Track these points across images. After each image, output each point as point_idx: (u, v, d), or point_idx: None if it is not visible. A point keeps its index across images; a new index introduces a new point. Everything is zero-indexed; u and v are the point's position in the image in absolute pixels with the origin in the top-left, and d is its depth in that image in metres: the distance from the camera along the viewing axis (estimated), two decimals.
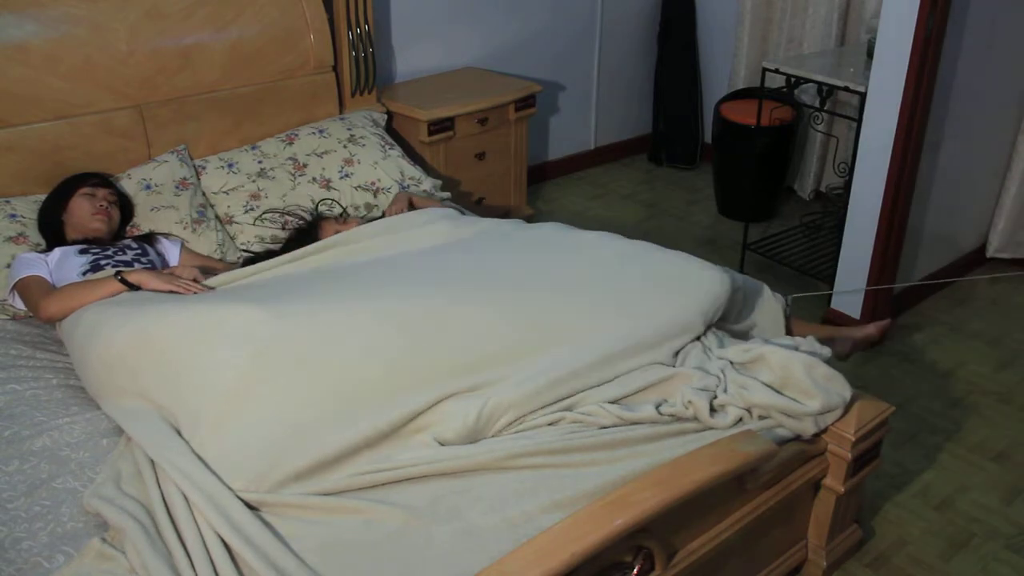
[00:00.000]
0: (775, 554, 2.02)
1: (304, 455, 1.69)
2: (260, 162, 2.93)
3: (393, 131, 3.41)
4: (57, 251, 2.33)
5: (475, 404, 1.78)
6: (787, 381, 1.87)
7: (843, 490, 1.97)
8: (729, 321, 2.19)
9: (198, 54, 2.86)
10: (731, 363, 1.95)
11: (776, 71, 3.25)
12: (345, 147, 3.03)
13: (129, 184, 2.69)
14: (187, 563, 1.52)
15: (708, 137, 4.53)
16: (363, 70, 3.30)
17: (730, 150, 3.99)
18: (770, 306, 2.33)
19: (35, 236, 2.45)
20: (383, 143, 3.11)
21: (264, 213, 2.79)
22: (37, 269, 2.26)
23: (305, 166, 2.95)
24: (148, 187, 2.70)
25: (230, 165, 2.89)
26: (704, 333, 2.06)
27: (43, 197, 2.51)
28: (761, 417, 1.87)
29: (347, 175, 2.96)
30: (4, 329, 2.28)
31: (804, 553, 2.09)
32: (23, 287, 2.22)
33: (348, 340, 1.88)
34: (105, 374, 1.95)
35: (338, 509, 1.63)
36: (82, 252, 2.31)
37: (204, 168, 2.87)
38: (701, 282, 2.11)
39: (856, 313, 3.06)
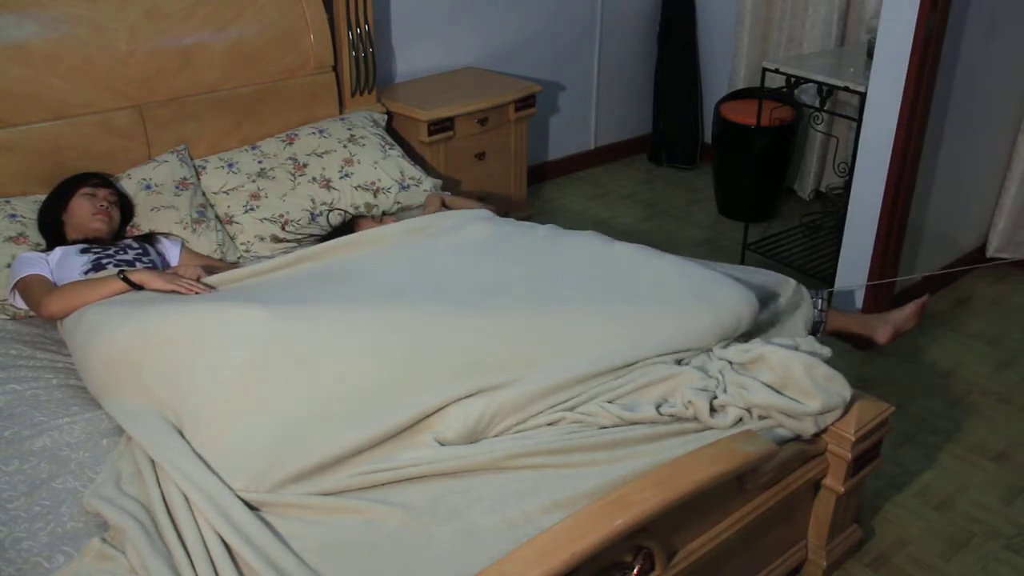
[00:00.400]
0: (775, 554, 2.02)
1: (304, 456, 1.69)
2: (260, 162, 2.93)
3: (393, 131, 3.41)
4: (58, 250, 2.33)
5: (477, 406, 1.78)
6: (787, 381, 1.86)
7: (843, 490, 1.97)
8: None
9: (198, 54, 2.85)
10: (731, 363, 1.95)
11: (776, 71, 3.25)
12: (345, 147, 3.03)
13: (129, 184, 2.69)
14: (187, 563, 1.52)
15: (708, 137, 4.53)
16: (363, 70, 3.30)
17: (730, 150, 3.99)
18: (795, 302, 2.32)
19: (35, 236, 2.45)
20: (383, 143, 3.11)
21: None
22: (38, 268, 2.26)
23: (305, 166, 2.95)
24: (148, 187, 2.70)
25: (230, 165, 2.89)
26: None
27: (43, 197, 2.51)
28: (761, 417, 1.87)
29: (347, 175, 2.96)
30: (4, 329, 2.28)
31: (804, 553, 2.09)
32: (24, 286, 2.22)
33: (349, 341, 1.88)
34: (106, 373, 1.95)
35: (338, 509, 1.63)
36: (83, 251, 2.31)
37: (204, 168, 2.87)
38: (727, 306, 2.06)
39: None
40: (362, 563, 1.53)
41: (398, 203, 2.99)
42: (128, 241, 2.45)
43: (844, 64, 3.29)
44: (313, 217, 2.84)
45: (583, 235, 2.44)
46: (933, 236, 3.23)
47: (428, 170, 3.29)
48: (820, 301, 2.40)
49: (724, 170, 4.09)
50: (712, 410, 1.83)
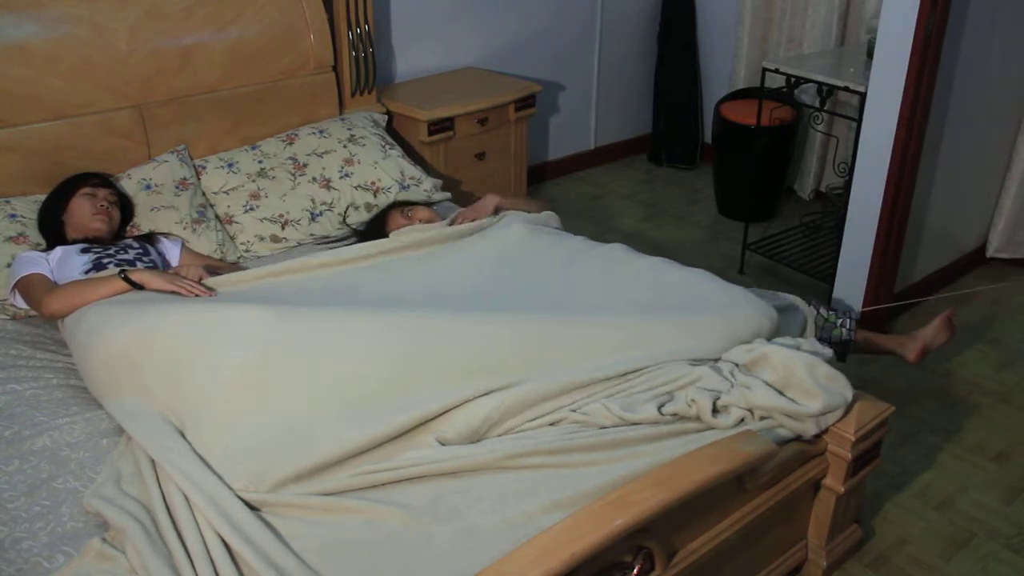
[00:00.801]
0: (775, 554, 2.02)
1: (305, 456, 1.69)
2: (260, 162, 2.93)
3: (393, 131, 3.41)
4: (59, 250, 2.33)
5: (483, 407, 1.78)
6: (789, 381, 1.86)
7: (843, 490, 1.97)
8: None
9: (198, 54, 2.85)
10: (735, 364, 1.95)
11: (776, 71, 3.25)
12: (345, 147, 3.03)
13: (129, 184, 2.69)
14: (187, 563, 1.52)
15: (708, 137, 4.53)
16: (363, 70, 3.30)
17: (730, 150, 3.99)
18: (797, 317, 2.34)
19: (35, 236, 2.45)
20: (383, 143, 3.11)
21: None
22: (38, 267, 2.26)
23: (305, 166, 2.95)
24: (148, 187, 2.70)
25: (230, 165, 2.89)
26: None
27: (43, 197, 2.51)
28: (762, 417, 1.87)
29: (347, 175, 2.96)
30: (4, 329, 2.27)
31: (804, 553, 2.09)
32: (25, 285, 2.22)
33: (351, 342, 1.88)
34: (106, 373, 1.95)
35: (338, 509, 1.63)
36: (84, 251, 2.31)
37: (204, 168, 2.87)
38: (746, 319, 2.06)
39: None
40: (362, 563, 1.53)
41: None
42: (129, 241, 2.45)
43: (844, 64, 3.29)
44: (313, 217, 2.84)
45: (609, 247, 2.45)
46: (933, 236, 3.23)
47: (428, 170, 3.29)
48: (849, 321, 2.40)
49: (724, 170, 4.08)
50: (715, 410, 1.83)
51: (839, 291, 3.12)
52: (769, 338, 2.04)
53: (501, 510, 1.60)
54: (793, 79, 3.21)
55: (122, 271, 2.14)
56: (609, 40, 4.45)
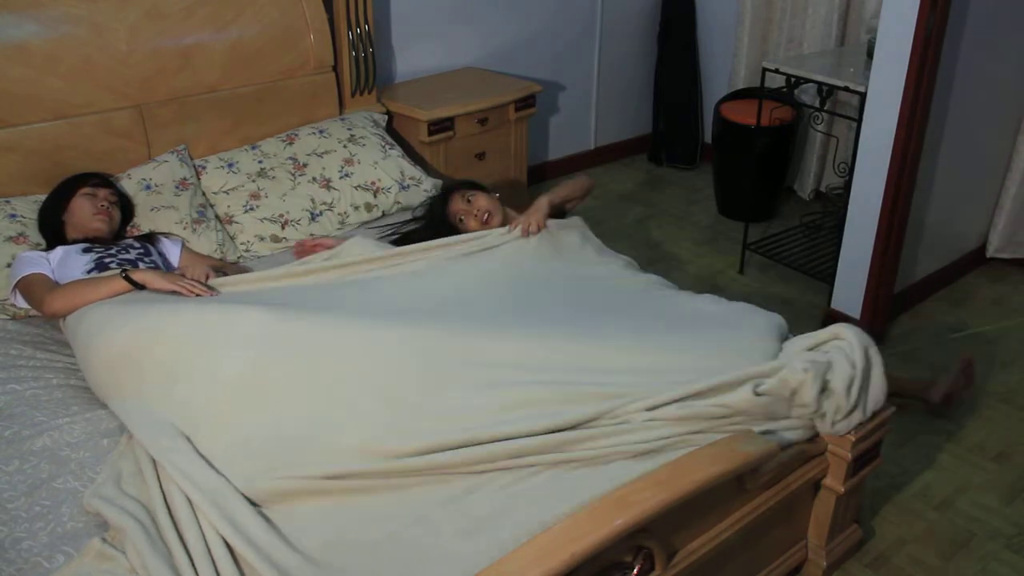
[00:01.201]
0: (775, 554, 2.02)
1: (303, 458, 1.69)
2: (260, 162, 2.93)
3: (393, 131, 3.41)
4: (60, 250, 2.33)
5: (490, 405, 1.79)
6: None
7: (843, 490, 1.97)
8: None
9: (198, 54, 2.85)
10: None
11: (776, 71, 3.25)
12: (345, 147, 3.03)
13: (129, 184, 2.69)
14: (187, 563, 1.52)
15: (708, 137, 4.53)
16: (363, 70, 3.30)
17: (730, 150, 3.99)
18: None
19: (35, 236, 2.45)
20: (383, 143, 3.11)
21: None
22: (39, 267, 2.26)
23: (305, 166, 2.95)
24: (148, 187, 2.70)
25: (230, 165, 2.89)
26: None
27: (43, 197, 2.51)
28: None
29: (347, 175, 2.96)
30: (4, 329, 2.27)
31: (804, 553, 2.09)
32: (26, 285, 2.23)
33: (350, 343, 1.88)
34: (107, 373, 1.95)
35: (339, 491, 1.64)
36: (86, 251, 2.32)
37: (204, 168, 2.87)
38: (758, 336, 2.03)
39: (856, 312, 3.06)
40: (364, 563, 1.53)
41: (398, 203, 2.99)
42: (130, 241, 2.45)
43: (844, 64, 3.29)
44: (314, 217, 2.84)
45: (651, 279, 2.41)
46: (933, 236, 3.23)
47: (428, 170, 3.29)
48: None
49: (724, 170, 4.08)
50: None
51: (839, 291, 3.12)
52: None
53: (506, 510, 1.60)
54: (793, 79, 3.21)
55: (123, 271, 2.14)
56: (609, 40, 4.45)
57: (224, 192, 2.83)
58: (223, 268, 2.49)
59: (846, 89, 3.04)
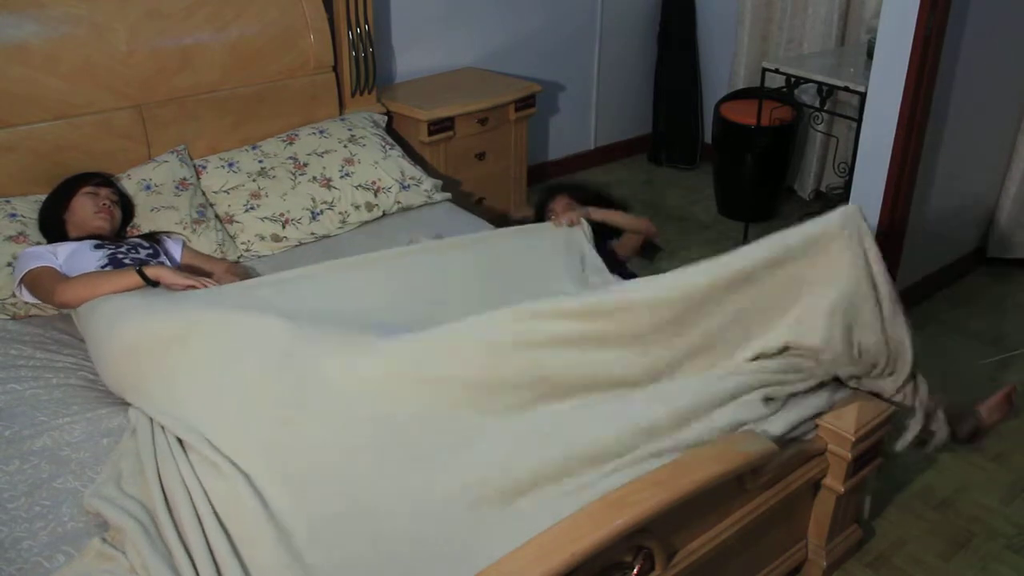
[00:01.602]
0: (775, 554, 2.02)
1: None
2: (260, 161, 2.93)
3: (393, 131, 3.40)
4: (68, 245, 2.33)
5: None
6: None
7: (843, 490, 1.97)
8: None
9: (198, 54, 2.85)
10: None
11: (776, 71, 3.25)
12: (345, 147, 3.03)
13: (129, 184, 2.69)
14: (187, 563, 1.52)
15: (708, 137, 4.53)
16: (363, 70, 3.30)
17: (730, 150, 3.99)
18: None
19: (35, 235, 2.45)
20: (383, 143, 3.11)
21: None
22: (46, 260, 2.27)
23: (305, 165, 2.95)
24: (148, 187, 2.70)
25: (230, 164, 2.89)
26: None
27: (43, 197, 2.51)
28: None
29: (347, 175, 2.96)
30: (4, 329, 2.27)
31: (804, 553, 2.09)
32: (33, 277, 2.23)
33: (354, 345, 1.89)
34: (124, 361, 1.97)
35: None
36: (98, 247, 2.32)
37: (204, 168, 2.87)
38: None
39: None
40: (364, 553, 1.54)
41: (399, 203, 2.99)
42: (138, 240, 2.46)
43: (844, 64, 3.29)
44: (314, 216, 2.84)
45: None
46: (933, 236, 3.23)
47: (428, 170, 3.29)
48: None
49: (724, 170, 4.09)
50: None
51: None
52: None
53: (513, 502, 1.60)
54: (793, 79, 3.22)
55: (139, 266, 2.16)
56: (609, 40, 4.45)
57: (224, 192, 2.83)
58: (246, 276, 2.46)
59: (846, 89, 3.05)
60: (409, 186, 3.02)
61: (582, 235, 2.59)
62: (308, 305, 2.11)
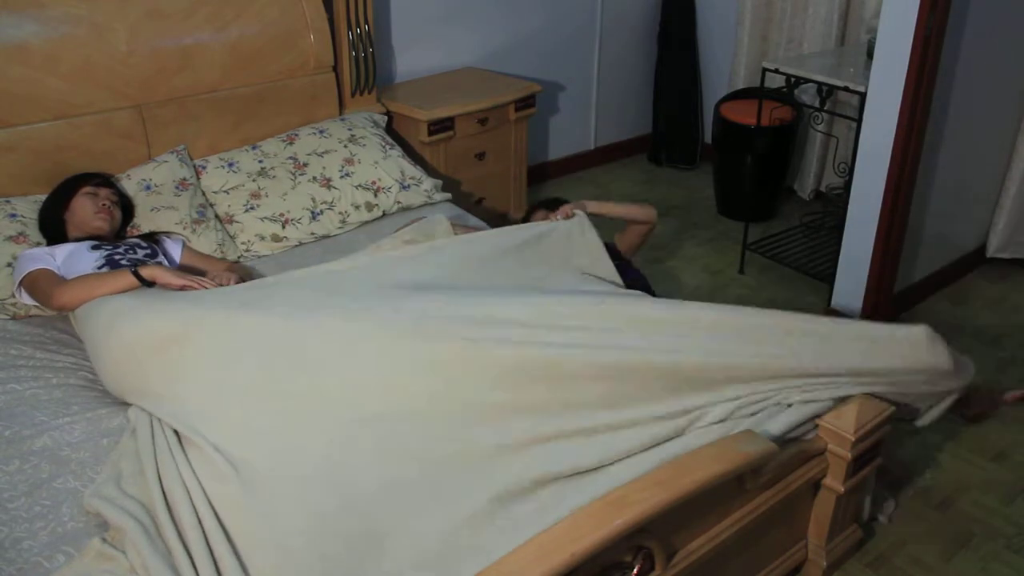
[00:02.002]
0: (775, 554, 2.02)
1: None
2: (260, 161, 2.93)
3: (393, 131, 3.41)
4: (66, 246, 2.33)
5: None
6: None
7: (843, 490, 1.97)
8: None
9: (198, 54, 2.85)
10: None
11: (776, 71, 3.25)
12: (345, 147, 3.03)
13: (129, 184, 2.69)
14: (187, 563, 1.52)
15: (708, 137, 4.53)
16: (363, 70, 3.30)
17: (730, 150, 3.99)
18: None
19: (35, 236, 2.45)
20: (383, 143, 3.11)
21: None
22: (44, 263, 2.27)
23: (306, 165, 2.95)
24: (148, 187, 2.70)
25: (230, 164, 2.90)
26: None
27: (43, 197, 2.52)
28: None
29: (347, 174, 2.96)
30: (4, 329, 2.28)
31: (804, 553, 2.09)
32: (32, 280, 2.23)
33: (360, 350, 1.89)
34: (124, 361, 1.97)
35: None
36: (95, 248, 2.32)
37: (204, 168, 2.87)
38: None
39: (856, 313, 3.06)
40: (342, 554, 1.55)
41: (399, 203, 2.99)
42: (137, 241, 2.46)
43: (844, 64, 3.29)
44: (314, 216, 2.84)
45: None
46: (933, 236, 3.23)
47: (428, 170, 3.29)
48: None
49: (724, 170, 4.09)
50: None
51: (839, 291, 3.12)
52: None
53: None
54: (793, 79, 3.21)
55: (134, 267, 2.16)
56: (609, 40, 4.45)
57: (224, 191, 2.83)
58: (247, 275, 2.45)
59: (846, 89, 3.04)
60: (409, 186, 3.02)
61: (580, 228, 2.53)
62: (307, 303, 2.11)
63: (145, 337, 1.95)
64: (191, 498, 1.64)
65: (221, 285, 2.24)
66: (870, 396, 1.98)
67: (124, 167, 2.74)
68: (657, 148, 4.75)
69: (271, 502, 1.64)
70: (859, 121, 2.93)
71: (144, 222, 2.63)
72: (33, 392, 2.00)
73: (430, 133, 3.34)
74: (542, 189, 4.35)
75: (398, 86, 3.65)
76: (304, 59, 3.10)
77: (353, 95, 3.32)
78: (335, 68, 3.22)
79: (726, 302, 3.28)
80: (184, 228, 2.64)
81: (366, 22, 3.23)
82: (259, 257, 2.74)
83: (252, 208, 2.80)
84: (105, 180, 2.56)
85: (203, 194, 2.81)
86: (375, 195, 2.96)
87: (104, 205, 2.46)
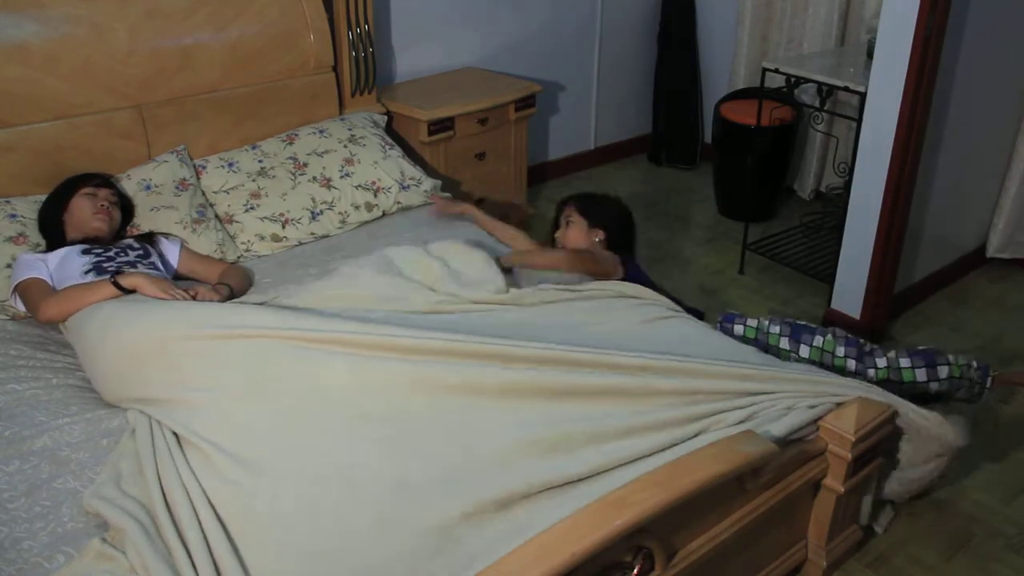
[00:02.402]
0: (775, 554, 2.02)
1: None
2: (260, 161, 2.93)
3: (393, 131, 3.40)
4: (61, 251, 2.33)
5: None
6: None
7: (843, 490, 1.97)
8: None
9: (198, 54, 2.85)
10: None
11: (776, 71, 3.25)
12: (345, 147, 3.03)
13: (129, 184, 2.69)
14: (187, 563, 1.52)
15: (708, 137, 4.53)
16: (363, 70, 3.30)
17: (730, 150, 3.99)
18: None
19: (35, 236, 2.45)
20: (383, 143, 3.11)
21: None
22: (37, 271, 2.27)
23: (305, 165, 2.95)
24: (148, 187, 2.70)
25: (230, 164, 2.89)
26: None
27: (43, 197, 2.51)
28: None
29: (347, 174, 2.96)
30: (4, 329, 2.28)
31: (804, 553, 2.09)
32: (24, 289, 2.24)
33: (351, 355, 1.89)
34: (119, 366, 1.97)
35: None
36: (85, 252, 2.32)
37: (204, 168, 2.87)
38: None
39: (856, 312, 3.06)
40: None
41: (399, 203, 2.99)
42: (130, 242, 2.45)
43: (844, 64, 3.29)
44: (314, 216, 2.84)
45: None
46: (933, 236, 3.23)
47: (428, 170, 3.29)
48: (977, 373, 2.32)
49: (724, 170, 4.09)
50: None
51: (839, 291, 3.12)
52: None
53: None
54: (793, 79, 3.21)
55: (112, 277, 2.16)
56: (609, 40, 4.45)
57: (224, 191, 2.83)
58: (229, 286, 2.40)
59: (846, 89, 3.04)
60: (409, 186, 3.02)
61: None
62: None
63: (143, 340, 1.95)
64: (191, 498, 1.64)
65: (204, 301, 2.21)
66: (871, 398, 1.98)
67: (124, 167, 2.74)
68: (657, 148, 4.75)
69: (273, 502, 1.64)
70: (859, 121, 2.93)
71: (144, 222, 2.62)
72: (33, 392, 2.00)
73: (430, 133, 3.34)
74: (542, 189, 4.36)
75: (398, 86, 3.65)
76: (304, 59, 3.10)
77: (353, 95, 3.32)
78: (335, 68, 3.22)
79: (726, 302, 3.32)
80: (184, 228, 2.63)
81: (366, 22, 3.23)
82: (259, 257, 2.74)
83: (252, 208, 2.80)
84: (105, 180, 2.56)
85: (203, 194, 2.81)
86: (375, 195, 2.96)
87: (103, 206, 2.46)
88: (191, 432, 1.78)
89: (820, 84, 3.17)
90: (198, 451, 1.75)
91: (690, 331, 2.19)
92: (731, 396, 1.88)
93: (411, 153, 3.33)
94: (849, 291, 3.08)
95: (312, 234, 2.83)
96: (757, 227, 3.89)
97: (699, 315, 2.42)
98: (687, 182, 4.53)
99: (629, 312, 2.23)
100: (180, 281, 2.42)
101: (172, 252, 2.53)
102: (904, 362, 2.25)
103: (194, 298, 2.20)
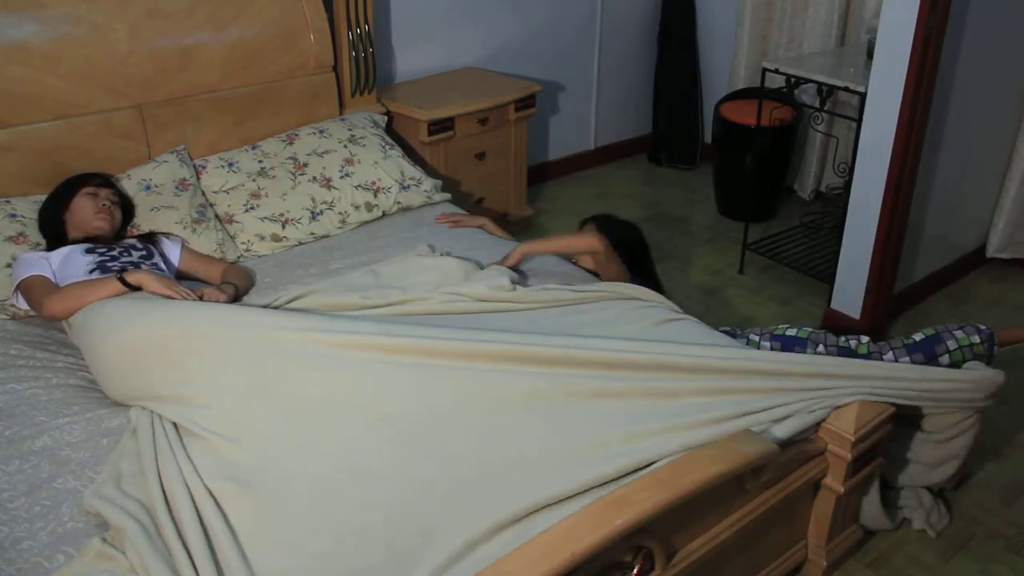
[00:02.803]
0: (775, 554, 2.02)
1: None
2: (260, 161, 2.93)
3: (393, 131, 3.40)
4: (64, 249, 2.33)
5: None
6: None
7: (843, 490, 1.97)
8: None
9: (198, 54, 2.85)
10: None
11: (776, 71, 3.25)
12: (345, 147, 3.03)
13: (129, 184, 2.69)
14: (187, 563, 1.52)
15: (708, 137, 4.53)
16: (363, 70, 3.30)
17: (730, 150, 3.99)
18: None
19: (35, 236, 2.45)
20: (383, 143, 3.11)
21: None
22: (39, 269, 2.27)
23: (305, 165, 2.95)
24: (148, 187, 2.70)
25: (230, 164, 2.90)
26: None
27: (43, 197, 2.51)
28: None
29: (347, 175, 2.96)
30: (4, 329, 2.28)
31: (804, 553, 2.09)
32: (26, 287, 2.23)
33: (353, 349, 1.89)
34: (122, 363, 1.97)
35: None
36: (88, 251, 2.32)
37: (204, 168, 2.87)
38: None
39: (856, 312, 3.06)
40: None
41: (399, 203, 2.99)
42: (132, 242, 2.45)
43: (844, 64, 3.29)
44: (314, 216, 2.84)
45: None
46: (933, 236, 3.23)
47: (428, 170, 3.29)
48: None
49: (724, 170, 4.09)
50: None
51: (839, 291, 3.12)
52: None
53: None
54: (793, 79, 3.21)
55: (119, 273, 2.16)
56: (609, 40, 4.45)
57: (224, 191, 2.83)
58: (235, 286, 2.41)
59: (846, 89, 3.04)
60: (409, 186, 3.02)
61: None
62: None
63: (145, 339, 1.95)
64: (192, 497, 1.64)
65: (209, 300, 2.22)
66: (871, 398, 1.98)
67: (124, 167, 2.74)
68: (657, 148, 4.75)
69: (284, 502, 1.64)
70: (859, 121, 2.93)
71: (144, 222, 2.62)
72: (33, 392, 2.00)
73: (430, 133, 3.34)
74: (542, 189, 4.36)
75: (398, 86, 3.65)
76: (304, 59, 3.10)
77: (353, 95, 3.32)
78: (335, 68, 3.22)
79: (726, 302, 3.32)
80: (184, 228, 2.63)
81: (366, 22, 3.23)
82: (259, 257, 2.74)
83: (252, 208, 2.80)
84: (105, 180, 2.56)
85: (203, 194, 2.81)
86: (375, 195, 2.96)
87: (104, 205, 2.46)
88: (194, 424, 1.78)
89: (820, 84, 3.17)
90: (202, 441, 1.75)
91: (701, 333, 2.19)
92: (780, 392, 1.91)
93: (411, 153, 3.33)
94: (849, 291, 3.08)
95: (312, 234, 2.83)
96: (757, 227, 3.89)
97: None
98: (687, 182, 4.53)
99: (636, 314, 2.23)
100: (184, 281, 2.42)
101: (173, 252, 2.53)
102: (903, 365, 2.25)
103: (200, 298, 2.20)
